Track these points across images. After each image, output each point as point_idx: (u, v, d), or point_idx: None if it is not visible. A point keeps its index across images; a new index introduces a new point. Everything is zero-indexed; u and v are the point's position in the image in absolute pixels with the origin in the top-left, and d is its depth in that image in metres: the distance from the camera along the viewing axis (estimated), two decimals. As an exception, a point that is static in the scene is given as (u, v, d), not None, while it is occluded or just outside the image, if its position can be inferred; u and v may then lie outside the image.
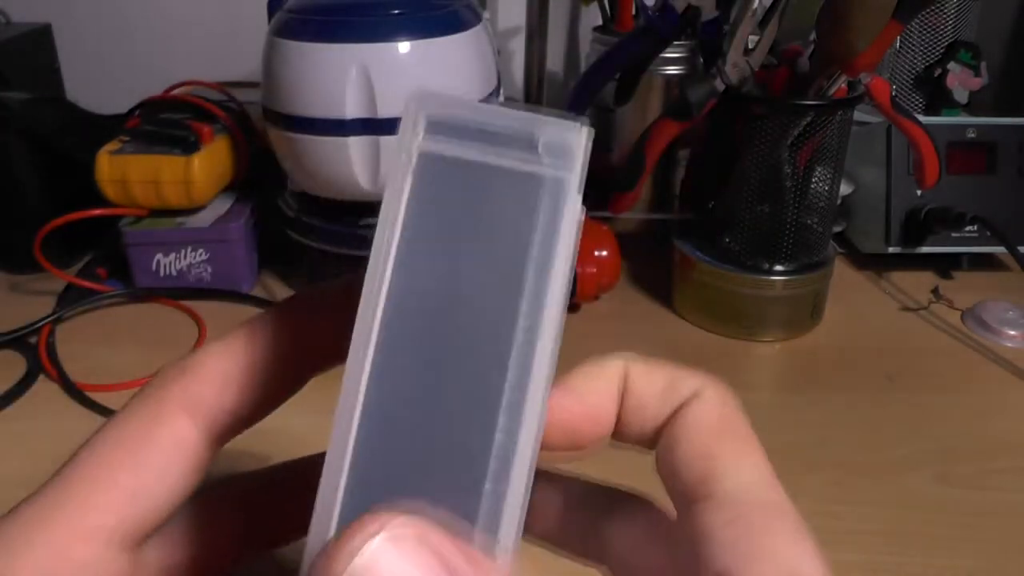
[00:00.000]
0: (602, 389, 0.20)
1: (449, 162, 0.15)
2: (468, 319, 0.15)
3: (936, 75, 0.79)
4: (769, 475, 0.19)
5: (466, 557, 0.14)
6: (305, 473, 0.18)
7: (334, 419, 0.15)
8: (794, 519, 0.18)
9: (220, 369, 0.18)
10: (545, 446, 0.17)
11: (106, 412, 0.52)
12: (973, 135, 0.68)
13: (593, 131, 0.15)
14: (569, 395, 0.20)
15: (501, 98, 0.66)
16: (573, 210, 0.15)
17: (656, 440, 0.20)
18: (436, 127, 0.15)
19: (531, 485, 0.15)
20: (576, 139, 0.15)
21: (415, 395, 0.15)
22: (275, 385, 0.19)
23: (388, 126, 0.58)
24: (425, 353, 0.15)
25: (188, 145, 0.63)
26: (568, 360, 0.61)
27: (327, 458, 0.14)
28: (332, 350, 0.18)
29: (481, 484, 0.14)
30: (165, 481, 0.17)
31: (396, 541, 0.13)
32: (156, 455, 0.17)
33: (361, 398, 0.14)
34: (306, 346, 0.19)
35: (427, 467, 0.14)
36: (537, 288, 0.15)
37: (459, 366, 0.15)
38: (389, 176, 0.15)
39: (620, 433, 0.21)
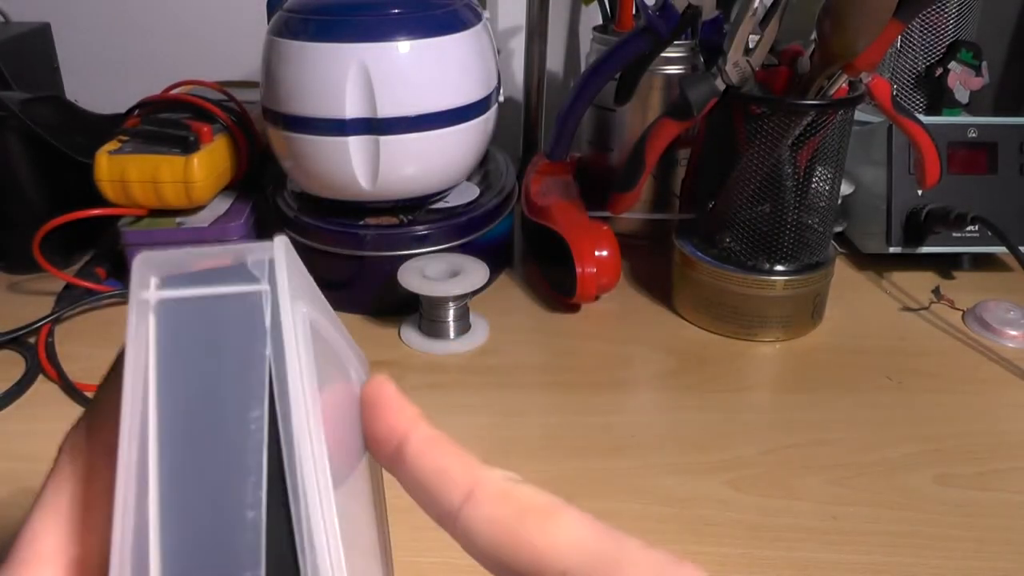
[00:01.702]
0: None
1: (184, 302, 0.17)
2: (223, 423, 0.16)
3: (937, 75, 0.78)
4: (592, 523, 0.18)
5: None
6: None
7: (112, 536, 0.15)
8: (648, 554, 0.17)
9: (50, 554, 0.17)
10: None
11: (105, 412, 0.51)
12: (974, 135, 0.68)
13: (287, 241, 0.18)
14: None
15: (501, 98, 0.66)
16: (289, 311, 0.17)
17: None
18: (167, 280, 0.18)
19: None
20: (276, 254, 0.17)
21: (189, 499, 0.16)
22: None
23: (388, 126, 0.58)
24: (190, 457, 0.16)
25: (187, 145, 0.62)
26: (568, 360, 0.61)
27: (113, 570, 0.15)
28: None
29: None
30: None
31: None
32: None
33: (152, 506, 0.16)
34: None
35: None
36: (280, 383, 0.17)
37: (219, 460, 0.16)
38: (129, 327, 0.17)
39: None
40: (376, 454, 0.20)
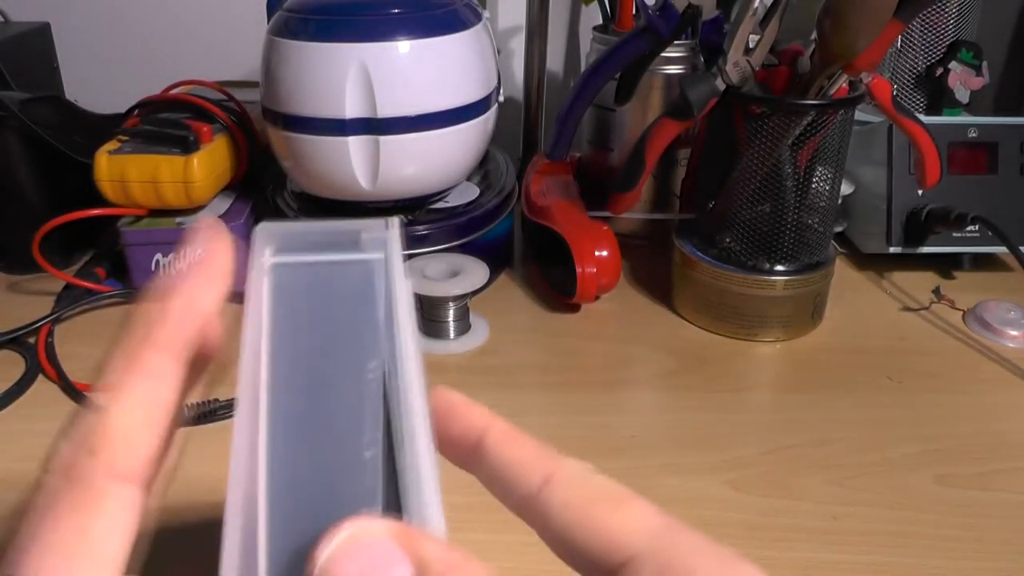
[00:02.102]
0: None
1: (300, 266, 0.19)
2: (337, 367, 0.18)
3: (937, 74, 0.78)
4: (661, 515, 0.19)
5: (428, 543, 0.16)
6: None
7: (230, 479, 0.16)
8: (714, 549, 0.18)
9: (133, 430, 0.17)
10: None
11: (105, 412, 0.51)
12: (974, 135, 0.68)
13: (401, 219, 0.20)
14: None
15: (501, 98, 0.66)
16: (402, 280, 0.19)
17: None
18: (282, 247, 0.19)
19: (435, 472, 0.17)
20: (389, 232, 0.20)
21: (306, 439, 0.17)
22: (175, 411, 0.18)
23: (388, 126, 0.58)
24: (306, 402, 0.17)
25: (187, 145, 0.62)
26: (568, 360, 0.61)
27: (229, 509, 0.16)
28: (211, 351, 0.19)
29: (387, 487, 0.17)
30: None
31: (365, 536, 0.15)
32: (100, 545, 0.16)
33: (262, 448, 0.16)
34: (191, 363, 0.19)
35: (335, 493, 0.16)
36: (390, 334, 0.18)
37: (336, 404, 0.17)
38: (248, 286, 0.18)
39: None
40: (451, 454, 0.21)
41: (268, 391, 0.17)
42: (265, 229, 0.19)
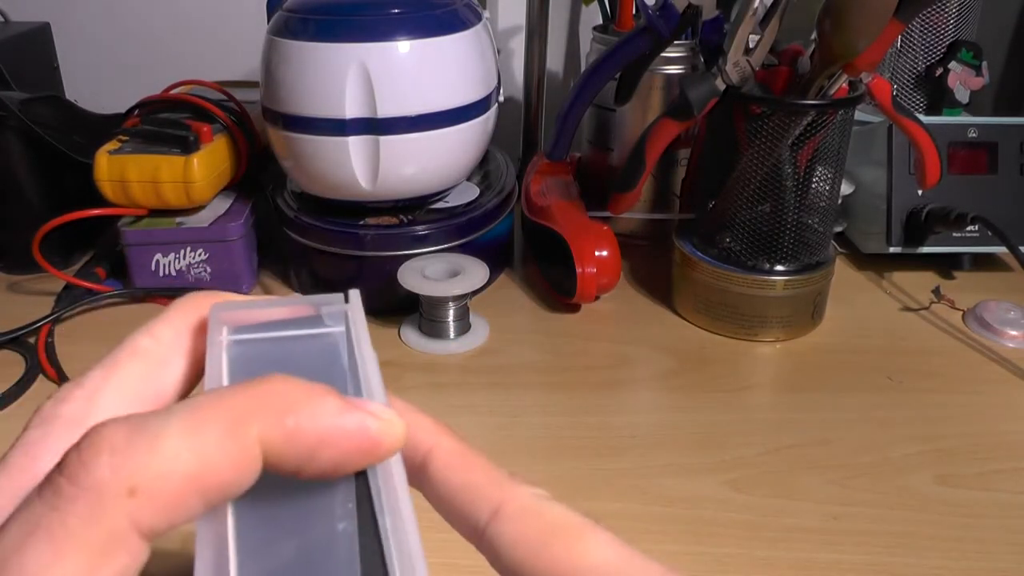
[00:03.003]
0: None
1: (258, 342, 0.18)
2: None
3: (937, 75, 0.78)
4: (616, 544, 0.17)
5: None
6: None
7: None
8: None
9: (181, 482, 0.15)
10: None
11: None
12: (974, 135, 0.68)
13: (358, 295, 0.19)
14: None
15: (501, 98, 0.66)
16: (368, 350, 0.18)
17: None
18: (240, 327, 0.18)
19: None
20: (351, 305, 0.19)
21: (275, 526, 0.16)
22: None
23: (388, 126, 0.58)
24: (274, 492, 0.16)
25: (187, 145, 0.62)
26: (568, 360, 0.61)
27: None
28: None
29: None
30: None
31: None
32: None
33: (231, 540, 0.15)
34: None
35: None
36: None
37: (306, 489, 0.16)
38: (207, 364, 0.17)
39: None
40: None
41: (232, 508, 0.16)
42: (220, 308, 0.18)
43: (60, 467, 0.15)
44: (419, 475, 0.19)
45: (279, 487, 0.16)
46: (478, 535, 0.18)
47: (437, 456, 0.19)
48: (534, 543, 0.17)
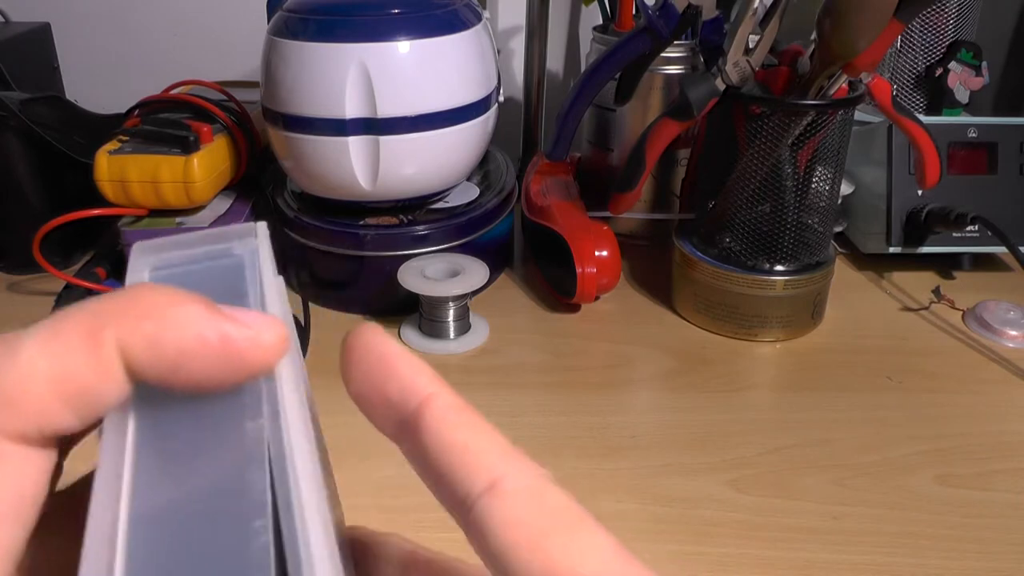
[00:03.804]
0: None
1: (173, 270, 0.19)
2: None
3: (937, 75, 0.78)
4: (617, 548, 0.16)
5: None
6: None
7: None
8: None
9: (32, 382, 0.15)
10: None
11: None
12: (974, 135, 0.68)
13: (264, 224, 0.19)
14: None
15: (501, 98, 0.66)
16: (272, 275, 0.18)
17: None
18: (158, 262, 0.19)
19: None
20: (259, 232, 0.19)
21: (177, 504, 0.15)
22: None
23: (388, 126, 0.58)
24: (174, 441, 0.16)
25: (187, 145, 0.62)
26: (568, 360, 0.61)
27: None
28: None
29: None
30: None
31: None
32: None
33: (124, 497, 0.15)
34: None
35: None
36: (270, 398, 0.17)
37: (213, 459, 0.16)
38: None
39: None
40: (375, 418, 0.17)
41: (133, 428, 0.15)
42: (141, 247, 0.19)
43: None
44: (408, 425, 0.17)
45: (181, 407, 0.16)
46: (465, 507, 0.16)
47: (435, 407, 0.16)
48: (530, 530, 0.15)
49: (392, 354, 0.17)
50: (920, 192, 0.67)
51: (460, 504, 0.16)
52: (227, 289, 0.18)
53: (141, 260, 0.18)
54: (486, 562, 0.16)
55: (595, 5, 0.78)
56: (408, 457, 0.17)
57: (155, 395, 0.16)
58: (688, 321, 0.63)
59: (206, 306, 0.16)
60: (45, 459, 0.16)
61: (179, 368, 0.15)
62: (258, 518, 0.14)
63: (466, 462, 0.16)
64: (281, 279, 0.19)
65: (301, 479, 0.15)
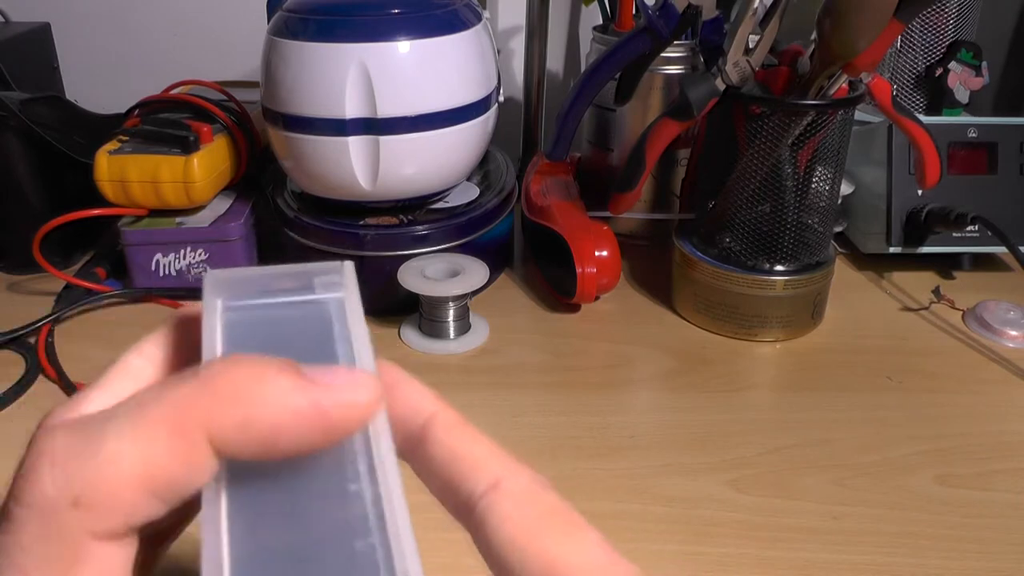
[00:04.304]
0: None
1: (252, 308, 0.18)
2: None
3: (937, 75, 0.78)
4: (605, 544, 0.17)
5: None
6: None
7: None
8: None
9: (126, 484, 0.15)
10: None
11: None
12: (974, 135, 0.68)
13: (351, 267, 0.19)
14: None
15: (501, 98, 0.66)
16: (361, 321, 0.18)
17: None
18: (234, 294, 0.18)
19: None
20: (345, 275, 0.19)
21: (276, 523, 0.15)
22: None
23: (388, 126, 0.58)
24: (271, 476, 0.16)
25: (187, 145, 0.62)
26: (568, 360, 0.61)
27: None
28: None
29: None
30: None
31: None
32: None
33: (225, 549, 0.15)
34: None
35: None
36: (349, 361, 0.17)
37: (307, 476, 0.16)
38: (203, 332, 0.17)
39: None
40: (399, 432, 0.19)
41: (226, 499, 0.15)
42: (216, 276, 0.18)
43: (9, 489, 0.15)
44: (416, 440, 0.18)
45: (276, 468, 0.15)
46: (468, 507, 0.17)
47: (439, 423, 0.18)
48: (528, 525, 0.17)
49: (399, 381, 0.19)
50: (920, 192, 0.67)
51: (464, 504, 0.17)
52: (314, 341, 0.17)
53: (214, 293, 0.18)
54: (488, 557, 0.17)
55: (595, 5, 0.78)
56: (416, 470, 0.18)
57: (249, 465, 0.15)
58: (688, 321, 0.63)
59: (294, 375, 0.16)
60: (130, 547, 0.15)
61: (273, 445, 0.15)
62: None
63: (469, 468, 0.18)
64: (367, 329, 0.18)
65: (404, 541, 0.15)
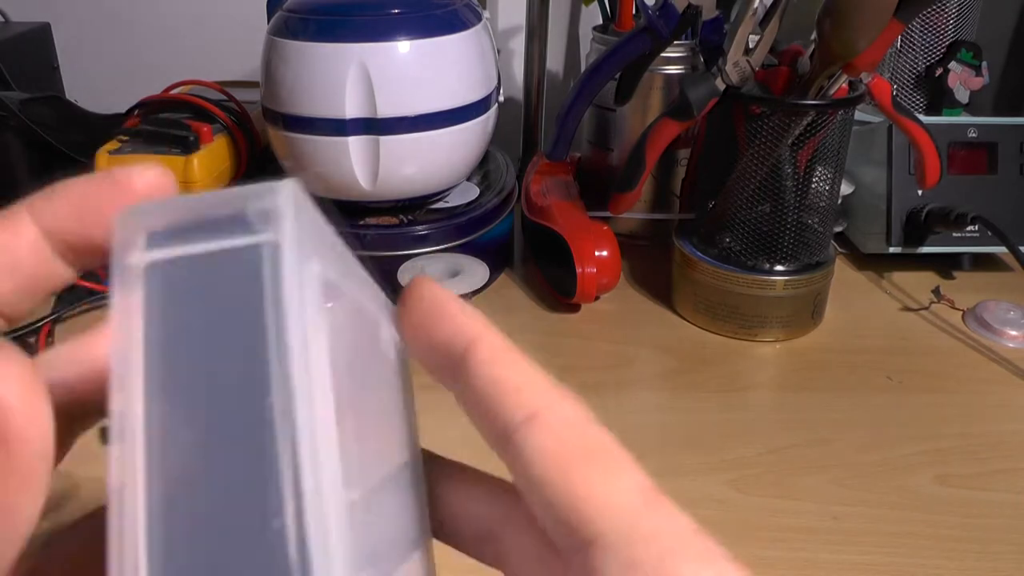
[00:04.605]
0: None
1: (176, 263, 0.14)
2: (226, 404, 0.14)
3: (937, 75, 0.78)
4: (649, 490, 0.15)
5: None
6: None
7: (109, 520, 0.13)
8: (696, 541, 0.15)
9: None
10: None
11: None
12: (974, 135, 0.68)
13: (297, 184, 0.14)
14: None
15: (501, 98, 0.66)
16: (294, 269, 0.14)
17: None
18: (155, 237, 0.14)
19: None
20: (281, 198, 0.14)
21: (196, 518, 0.13)
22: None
23: (388, 126, 0.58)
24: (194, 451, 0.14)
25: (187, 145, 0.62)
26: (568, 360, 0.61)
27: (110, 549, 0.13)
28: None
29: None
30: None
31: None
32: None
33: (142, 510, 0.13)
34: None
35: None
36: (280, 356, 0.14)
37: (228, 455, 0.13)
38: (115, 295, 0.14)
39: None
40: (429, 362, 0.18)
41: (144, 455, 0.13)
42: (133, 212, 0.15)
43: None
44: (455, 367, 0.17)
45: (196, 476, 0.13)
46: (505, 438, 0.16)
47: (481, 348, 0.17)
48: (564, 460, 0.15)
49: (443, 299, 0.18)
50: (920, 192, 0.67)
51: (500, 436, 0.16)
52: (242, 294, 0.14)
53: (130, 229, 0.15)
54: (523, 493, 0.16)
55: (595, 5, 0.78)
56: (458, 399, 0.17)
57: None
58: (688, 321, 0.63)
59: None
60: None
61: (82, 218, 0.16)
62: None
63: (508, 396, 0.16)
64: (317, 271, 0.15)
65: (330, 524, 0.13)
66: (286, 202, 0.14)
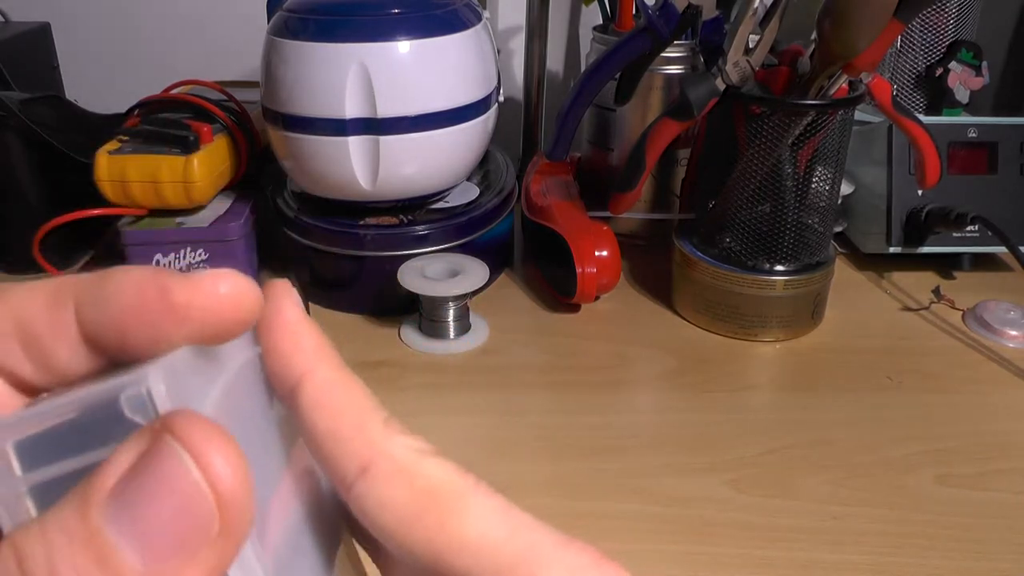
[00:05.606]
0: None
1: (60, 482, 0.13)
2: None
3: (937, 74, 0.78)
4: (503, 511, 0.15)
5: None
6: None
7: None
8: (566, 555, 0.15)
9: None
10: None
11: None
12: (974, 135, 0.68)
13: (171, 363, 0.14)
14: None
15: (501, 98, 0.66)
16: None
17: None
18: (29, 452, 0.13)
19: None
20: (153, 388, 0.13)
21: None
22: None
23: (388, 126, 0.58)
24: None
25: (187, 145, 0.62)
26: (568, 360, 0.61)
27: None
28: None
29: None
30: None
31: None
32: None
33: None
34: None
35: None
36: None
37: None
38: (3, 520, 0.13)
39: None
40: (276, 391, 0.17)
41: None
42: (5, 429, 0.13)
43: None
44: (291, 402, 0.16)
45: None
46: (345, 490, 0.15)
47: (308, 388, 0.16)
48: (405, 512, 0.15)
49: (277, 319, 0.16)
50: (920, 192, 0.67)
51: (340, 486, 0.16)
52: None
53: (6, 447, 0.13)
54: (382, 541, 0.16)
55: (595, 5, 0.78)
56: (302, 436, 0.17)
57: None
58: (688, 321, 0.63)
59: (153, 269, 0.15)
60: None
61: (124, 327, 0.15)
62: None
63: (338, 447, 0.16)
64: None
65: None
66: (157, 392, 0.13)
